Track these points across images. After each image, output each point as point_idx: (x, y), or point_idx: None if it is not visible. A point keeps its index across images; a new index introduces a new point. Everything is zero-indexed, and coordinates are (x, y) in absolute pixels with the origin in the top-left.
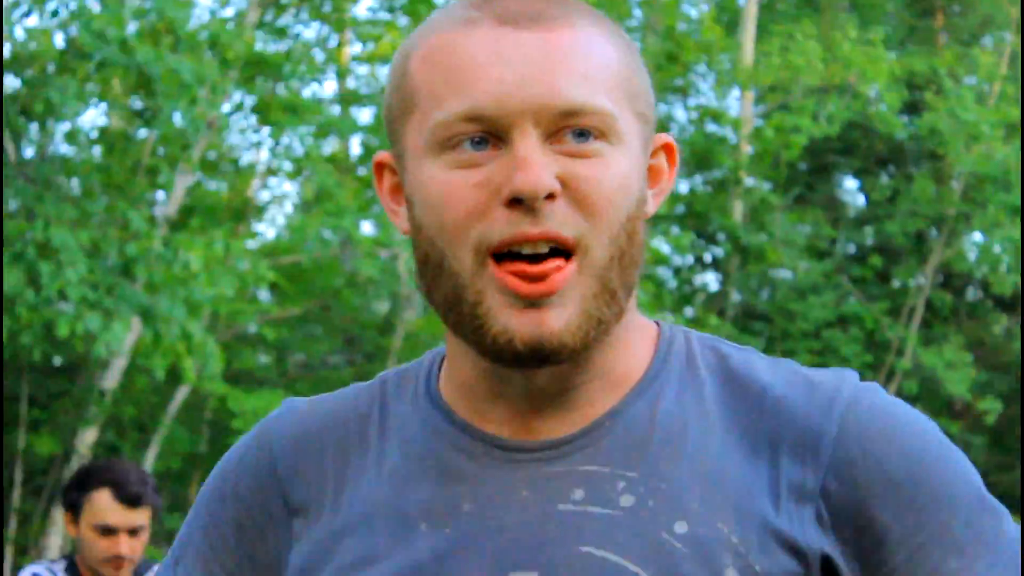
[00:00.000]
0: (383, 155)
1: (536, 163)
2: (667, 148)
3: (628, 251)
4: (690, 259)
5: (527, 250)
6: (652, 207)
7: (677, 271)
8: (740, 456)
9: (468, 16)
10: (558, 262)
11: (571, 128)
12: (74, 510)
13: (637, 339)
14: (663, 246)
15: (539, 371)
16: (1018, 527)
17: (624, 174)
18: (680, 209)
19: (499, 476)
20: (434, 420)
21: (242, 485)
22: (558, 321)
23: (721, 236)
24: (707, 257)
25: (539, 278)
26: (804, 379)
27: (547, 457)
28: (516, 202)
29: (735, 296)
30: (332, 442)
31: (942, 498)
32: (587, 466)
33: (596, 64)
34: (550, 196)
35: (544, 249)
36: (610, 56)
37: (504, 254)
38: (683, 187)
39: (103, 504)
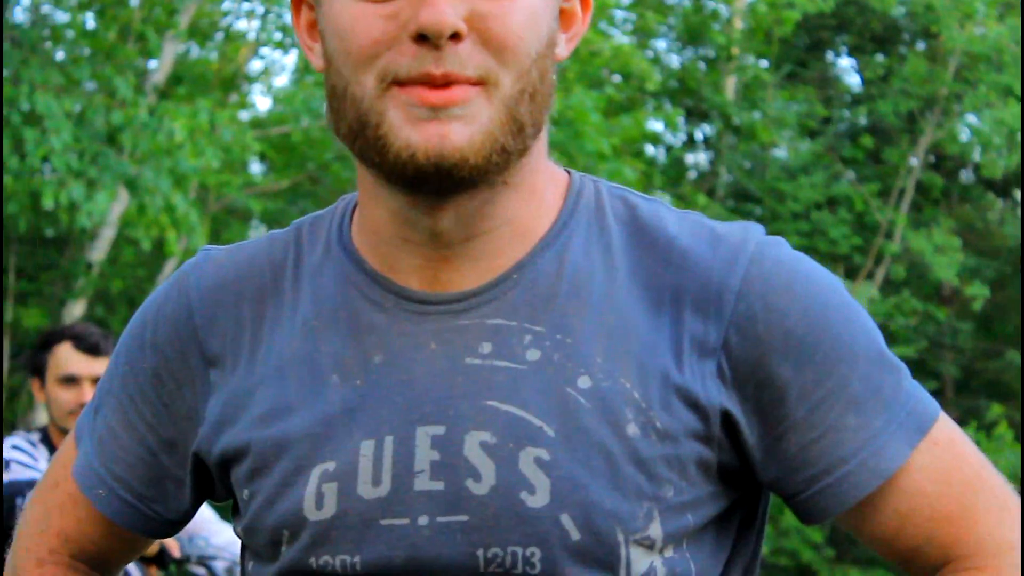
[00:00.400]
0: None
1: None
2: None
3: (539, 89)
4: (681, 137)
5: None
6: (564, 51)
7: (668, 149)
8: (645, 310)
9: None
10: (461, 88)
11: None
12: (39, 372)
13: (546, 188)
14: (655, 124)
15: (443, 212)
16: (917, 384)
17: (533, 11)
18: (673, 85)
19: (409, 328)
20: (346, 270)
21: (160, 335)
22: (460, 136)
23: (713, 114)
24: (698, 135)
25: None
26: (710, 232)
27: (456, 310)
28: (422, 38)
29: (725, 176)
30: (248, 292)
31: (842, 354)
32: (495, 319)
33: None
34: (455, 36)
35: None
36: None
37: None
38: (675, 62)
39: (64, 355)
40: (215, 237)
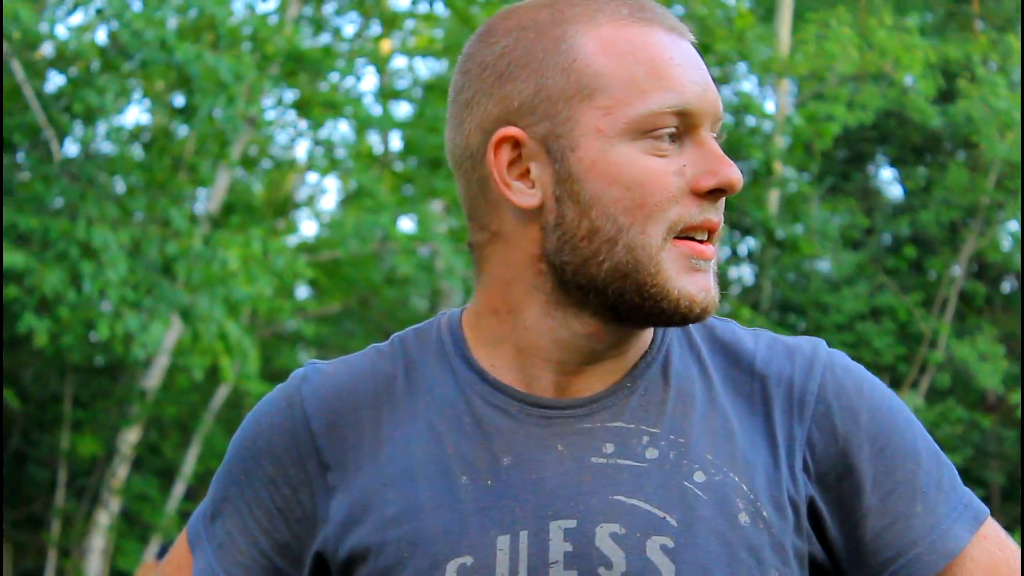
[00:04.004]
0: (512, 130)
1: (731, 161)
2: None
3: None
4: (726, 252)
5: (699, 236)
6: None
7: None
8: (741, 414)
9: (634, 16)
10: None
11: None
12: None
13: None
14: None
15: (631, 336)
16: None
17: None
18: None
19: (534, 431)
20: (469, 379)
21: (276, 443)
22: (715, 287)
23: (756, 228)
24: (742, 249)
25: None
26: (784, 345)
27: (578, 414)
28: (714, 192)
29: (769, 289)
30: (364, 400)
31: (908, 450)
32: (614, 423)
33: None
34: None
35: None
36: None
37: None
38: None
39: None
40: (265, 363)
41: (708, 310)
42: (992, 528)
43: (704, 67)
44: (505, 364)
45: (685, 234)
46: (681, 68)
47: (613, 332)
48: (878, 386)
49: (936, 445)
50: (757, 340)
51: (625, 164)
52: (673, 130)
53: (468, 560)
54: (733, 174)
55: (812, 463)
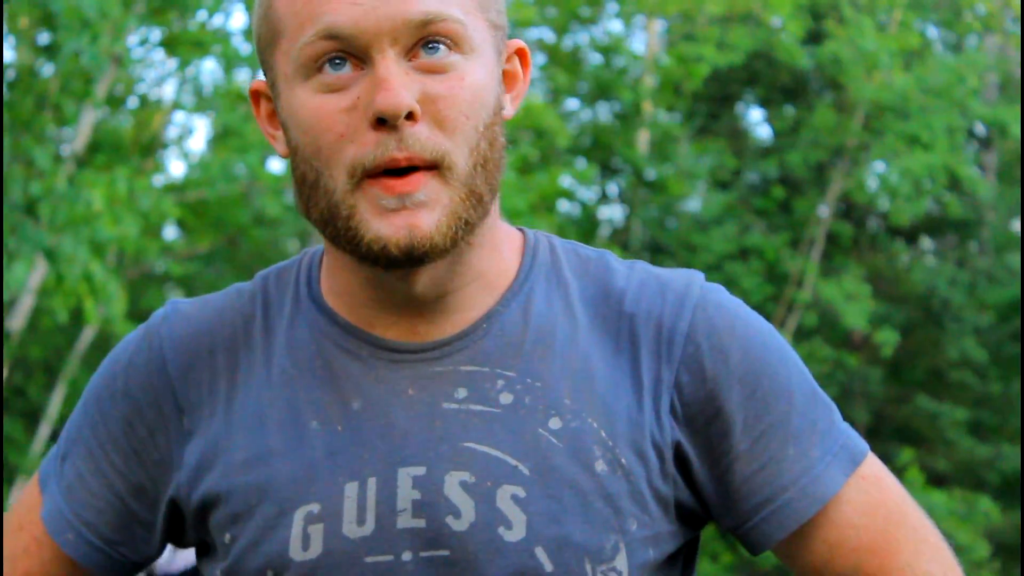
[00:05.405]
0: (258, 83)
1: (395, 82)
2: (520, 53)
3: (490, 156)
4: (595, 192)
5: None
6: (510, 110)
7: (582, 205)
8: (605, 355)
9: None
10: (422, 175)
11: (425, 39)
12: None
13: (505, 244)
14: (567, 180)
15: (416, 278)
16: (846, 423)
17: (479, 84)
18: (585, 142)
19: (385, 375)
20: (320, 323)
21: (132, 384)
22: (428, 222)
23: (625, 168)
24: (611, 190)
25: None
26: (657, 280)
27: (430, 358)
28: (380, 122)
29: (639, 229)
30: (221, 342)
31: (781, 391)
32: (468, 366)
33: None
34: (411, 116)
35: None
36: None
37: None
38: (587, 116)
39: None
40: (133, 303)
41: (416, 248)
42: (872, 467)
43: None
44: (350, 306)
45: (378, 171)
46: None
47: (384, 277)
48: (753, 324)
49: (814, 384)
50: (631, 275)
51: (300, 107)
52: (337, 59)
53: (316, 508)
54: (385, 100)
55: (680, 406)
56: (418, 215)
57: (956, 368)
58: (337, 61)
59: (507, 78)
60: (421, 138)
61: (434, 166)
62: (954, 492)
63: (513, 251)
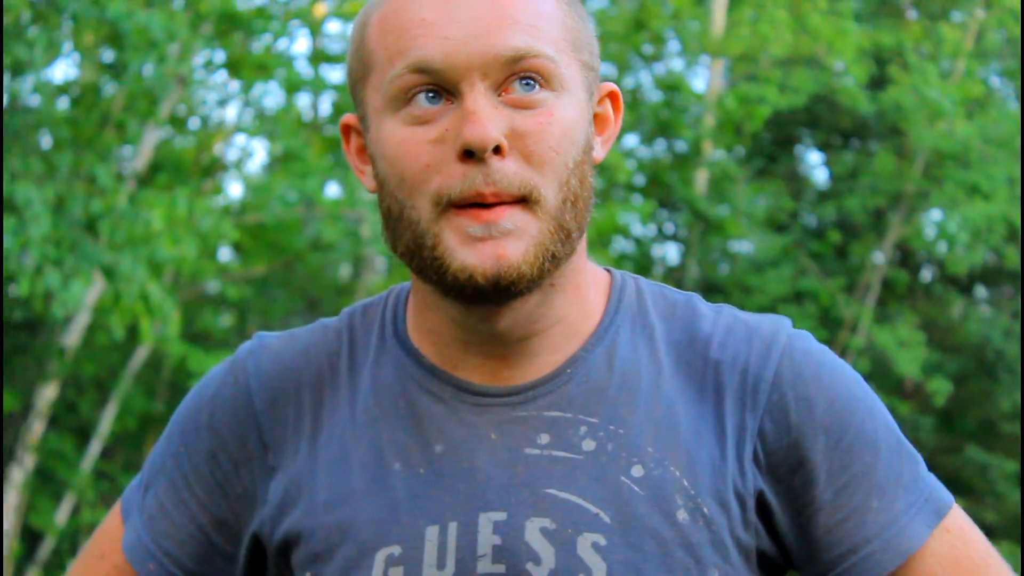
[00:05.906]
0: (349, 117)
1: (483, 115)
2: (612, 96)
3: (580, 194)
4: (651, 229)
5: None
6: (600, 153)
7: (637, 242)
8: (689, 401)
9: None
10: (508, 207)
11: (517, 75)
12: None
13: (591, 287)
14: (624, 216)
15: (500, 318)
16: (932, 475)
17: (569, 121)
18: (641, 180)
19: (468, 419)
20: (404, 363)
21: (217, 417)
22: (515, 252)
23: (682, 207)
24: (668, 228)
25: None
26: (744, 325)
27: (514, 402)
28: (468, 155)
29: (694, 269)
30: (307, 379)
31: (866, 442)
32: (551, 412)
33: (539, 16)
34: (498, 151)
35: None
36: (552, 8)
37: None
38: (645, 154)
39: None
40: (188, 323)
41: (503, 278)
42: (956, 520)
43: (484, 17)
44: (436, 346)
45: (465, 203)
46: (430, 25)
47: (472, 312)
48: (839, 372)
49: (900, 434)
50: (717, 320)
51: (387, 139)
52: (429, 92)
53: (397, 550)
54: (473, 132)
55: (763, 454)
56: (505, 244)
57: (1008, 420)
58: (431, 94)
59: (598, 120)
60: (508, 173)
61: (522, 200)
62: (1002, 545)
63: (599, 293)
